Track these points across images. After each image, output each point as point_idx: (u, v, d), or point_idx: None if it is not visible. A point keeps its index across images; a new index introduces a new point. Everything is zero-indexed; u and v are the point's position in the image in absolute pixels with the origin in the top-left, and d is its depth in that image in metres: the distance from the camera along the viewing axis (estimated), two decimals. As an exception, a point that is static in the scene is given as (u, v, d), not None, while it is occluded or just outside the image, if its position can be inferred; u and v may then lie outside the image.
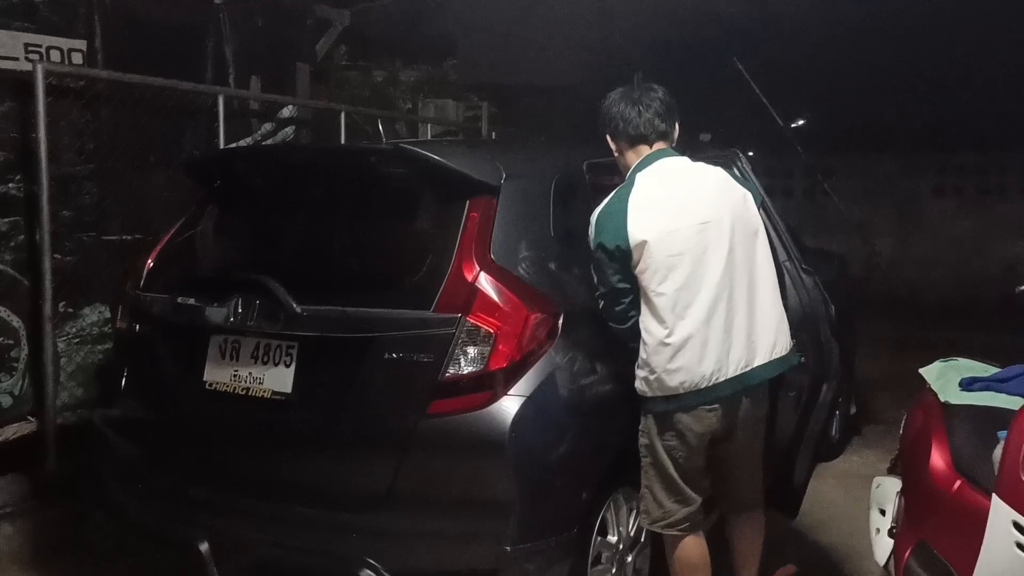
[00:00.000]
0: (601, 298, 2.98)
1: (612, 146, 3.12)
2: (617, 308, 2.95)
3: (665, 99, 3.06)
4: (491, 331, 2.77)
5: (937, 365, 3.52)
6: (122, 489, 3.30)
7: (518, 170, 3.11)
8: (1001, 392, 3.15)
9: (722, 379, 2.87)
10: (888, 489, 3.43)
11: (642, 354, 2.90)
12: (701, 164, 3.06)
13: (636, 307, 2.92)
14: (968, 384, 3.25)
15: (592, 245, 2.94)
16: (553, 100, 11.70)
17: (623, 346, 2.98)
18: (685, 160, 3.05)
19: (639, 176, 2.98)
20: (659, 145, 3.04)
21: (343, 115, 6.34)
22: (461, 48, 10.34)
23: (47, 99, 4.11)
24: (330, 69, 7.45)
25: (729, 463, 3.10)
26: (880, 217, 12.54)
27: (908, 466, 3.26)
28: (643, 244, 2.82)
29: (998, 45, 11.22)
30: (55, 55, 4.50)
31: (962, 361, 3.53)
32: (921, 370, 3.53)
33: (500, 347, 2.77)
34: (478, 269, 2.83)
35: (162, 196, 4.83)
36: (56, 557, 3.84)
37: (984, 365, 3.45)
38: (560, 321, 2.92)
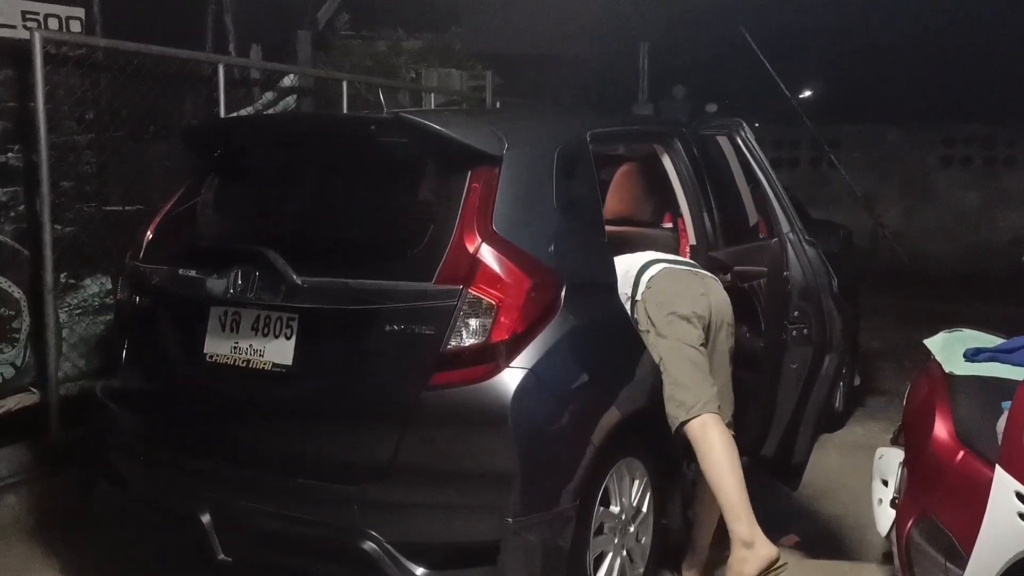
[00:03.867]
0: None
1: None
2: None
3: None
4: (493, 303, 2.75)
5: (942, 336, 3.51)
6: (124, 460, 3.31)
7: (521, 140, 3.08)
8: (1006, 363, 3.13)
9: None
10: (891, 460, 3.43)
11: None
12: None
13: None
14: (973, 355, 3.23)
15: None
16: (559, 70, 11.62)
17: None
18: None
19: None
20: None
21: (345, 84, 6.28)
22: (466, 17, 10.25)
23: (45, 68, 4.07)
24: (332, 38, 7.39)
25: None
26: (886, 188, 12.48)
27: (911, 437, 3.26)
28: None
29: (1007, 15, 11.10)
30: (53, 23, 4.47)
31: (967, 332, 3.51)
32: (926, 341, 3.52)
33: (502, 319, 2.75)
34: (480, 240, 2.81)
35: (162, 166, 4.80)
36: (58, 527, 3.86)
37: (989, 336, 3.43)
38: (562, 293, 2.90)
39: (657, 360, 3.22)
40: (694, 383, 3.17)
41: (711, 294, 3.36)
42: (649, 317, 3.26)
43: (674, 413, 3.16)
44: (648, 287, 3.32)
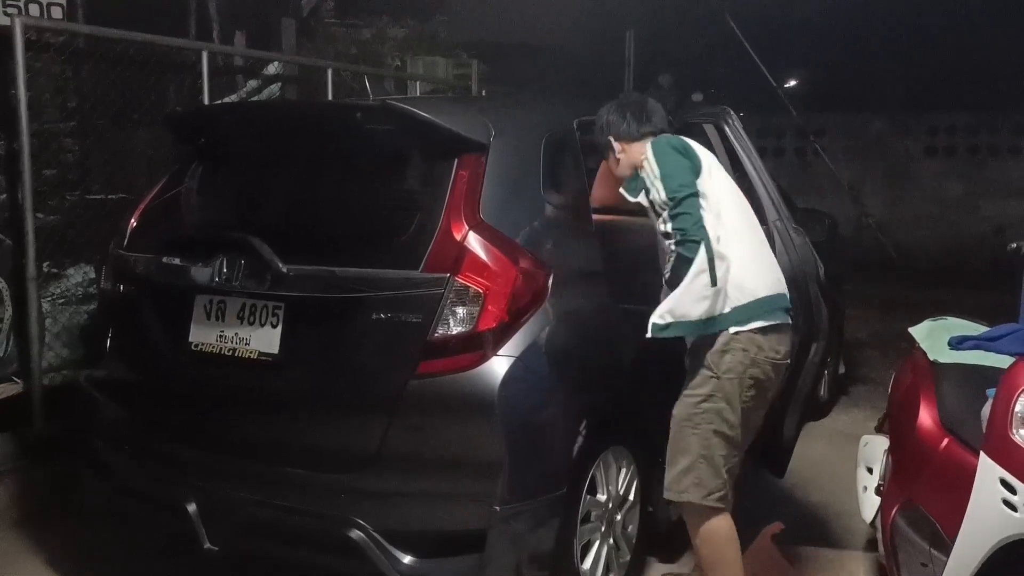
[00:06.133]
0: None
1: (616, 148, 3.18)
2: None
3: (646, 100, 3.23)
4: (480, 291, 2.74)
5: (926, 324, 3.53)
6: (109, 450, 3.29)
7: (507, 128, 3.07)
8: (990, 351, 3.16)
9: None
10: (876, 447, 3.46)
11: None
12: None
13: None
14: (957, 343, 3.26)
15: (652, 153, 2.97)
16: (545, 59, 11.58)
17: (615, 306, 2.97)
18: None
19: (663, 135, 3.09)
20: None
21: (330, 72, 6.25)
22: (451, 5, 10.20)
23: (26, 54, 4.02)
24: (317, 25, 7.34)
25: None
26: (871, 177, 12.52)
27: (896, 424, 3.28)
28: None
29: (991, 5, 11.14)
30: (34, 9, 4.42)
31: (951, 320, 3.54)
32: (911, 329, 3.54)
33: (489, 307, 2.75)
34: (467, 228, 2.80)
35: (146, 154, 4.76)
36: (42, 518, 3.84)
37: (973, 324, 3.46)
38: (550, 281, 2.90)
39: (689, 411, 2.94)
40: (720, 467, 2.92)
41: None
42: (728, 364, 2.92)
43: (684, 487, 2.93)
44: (762, 333, 2.95)
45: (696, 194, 2.87)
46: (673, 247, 2.86)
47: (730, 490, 2.95)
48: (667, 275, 2.91)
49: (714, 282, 2.80)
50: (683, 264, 2.81)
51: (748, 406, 2.96)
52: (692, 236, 2.80)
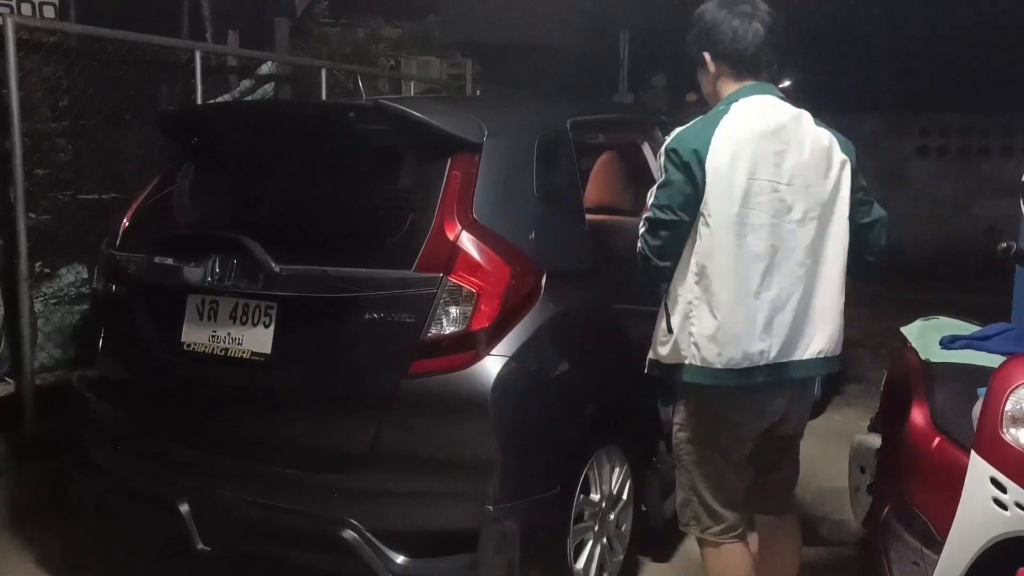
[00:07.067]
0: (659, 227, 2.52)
1: (709, 66, 2.65)
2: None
3: (778, 25, 2.62)
4: (473, 291, 2.74)
5: (918, 324, 3.54)
6: (101, 450, 3.28)
7: (501, 128, 3.07)
8: (981, 350, 3.16)
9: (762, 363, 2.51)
10: (867, 447, 3.46)
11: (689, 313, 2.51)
12: (808, 118, 2.64)
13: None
14: (949, 342, 3.26)
15: (661, 156, 2.55)
16: (539, 59, 11.58)
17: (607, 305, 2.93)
18: (790, 108, 2.62)
19: (736, 105, 2.55)
20: (764, 78, 2.64)
21: (324, 72, 6.24)
22: (444, 5, 10.20)
23: (18, 54, 4.00)
24: (310, 25, 7.33)
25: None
26: (863, 177, 12.57)
27: (888, 424, 3.29)
28: (717, 170, 2.43)
29: (983, 6, 11.17)
30: (26, 8, 4.40)
31: (943, 320, 3.54)
32: (902, 328, 3.54)
33: (482, 307, 2.75)
34: (460, 228, 2.80)
35: (139, 154, 4.74)
36: (34, 519, 3.82)
37: (965, 323, 3.46)
38: (543, 281, 2.90)
39: (674, 442, 2.73)
40: (710, 502, 2.68)
41: None
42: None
43: (685, 520, 2.75)
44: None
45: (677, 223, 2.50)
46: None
47: (740, 519, 2.70)
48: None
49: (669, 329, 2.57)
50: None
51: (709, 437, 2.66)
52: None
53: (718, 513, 2.67)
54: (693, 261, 2.49)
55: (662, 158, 2.54)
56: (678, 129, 2.57)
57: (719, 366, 2.48)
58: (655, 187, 2.55)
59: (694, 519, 2.71)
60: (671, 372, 2.60)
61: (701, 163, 2.44)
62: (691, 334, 2.50)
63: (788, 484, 2.90)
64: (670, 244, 2.53)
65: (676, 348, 2.55)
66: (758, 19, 2.60)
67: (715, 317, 2.47)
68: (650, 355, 2.68)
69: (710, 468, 2.66)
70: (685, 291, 2.52)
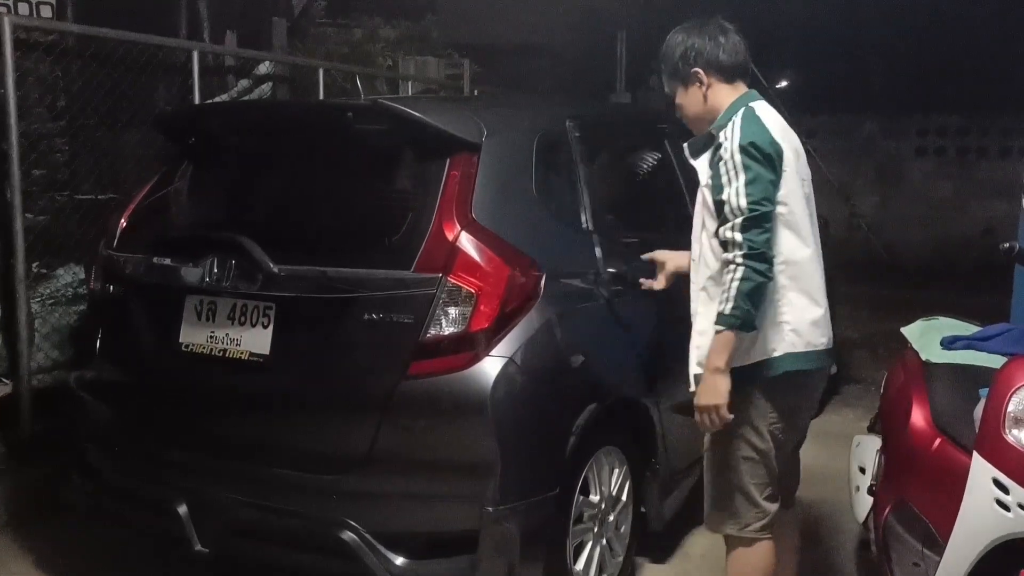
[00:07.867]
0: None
1: (703, 80, 2.69)
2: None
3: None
4: (472, 291, 2.73)
5: (919, 324, 3.53)
6: (98, 451, 3.27)
7: (499, 127, 3.06)
8: (982, 351, 3.16)
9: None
10: (868, 447, 3.46)
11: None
12: None
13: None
14: (949, 343, 3.26)
15: (733, 150, 2.51)
16: (537, 59, 11.58)
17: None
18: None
19: (756, 105, 2.62)
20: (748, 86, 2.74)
21: (321, 72, 6.22)
22: (442, 5, 10.19)
23: (15, 54, 3.99)
24: (307, 25, 7.31)
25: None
26: (862, 178, 12.56)
27: (888, 424, 3.28)
28: (788, 162, 2.56)
29: (980, 7, 11.18)
30: (23, 8, 4.38)
31: (944, 320, 3.54)
32: (903, 329, 3.54)
33: (481, 307, 2.74)
34: (459, 228, 2.79)
35: (136, 154, 4.73)
36: (31, 520, 3.81)
37: (965, 324, 3.46)
38: (542, 281, 2.89)
39: (713, 437, 2.70)
40: (755, 495, 2.70)
41: None
42: None
43: (720, 519, 2.75)
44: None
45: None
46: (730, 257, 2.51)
47: (771, 516, 2.71)
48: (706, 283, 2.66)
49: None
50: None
51: (777, 428, 2.68)
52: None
53: (762, 506, 2.69)
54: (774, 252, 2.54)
55: (737, 155, 2.50)
56: (734, 126, 2.54)
57: (821, 347, 2.66)
58: (741, 186, 2.48)
59: (732, 517, 2.70)
60: (752, 373, 2.58)
61: (779, 155, 2.55)
62: (787, 323, 2.59)
63: (797, 475, 3.00)
64: (773, 235, 2.54)
65: (764, 343, 2.58)
66: (732, 32, 2.74)
67: (814, 301, 2.64)
68: (734, 363, 2.53)
69: (769, 461, 2.68)
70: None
